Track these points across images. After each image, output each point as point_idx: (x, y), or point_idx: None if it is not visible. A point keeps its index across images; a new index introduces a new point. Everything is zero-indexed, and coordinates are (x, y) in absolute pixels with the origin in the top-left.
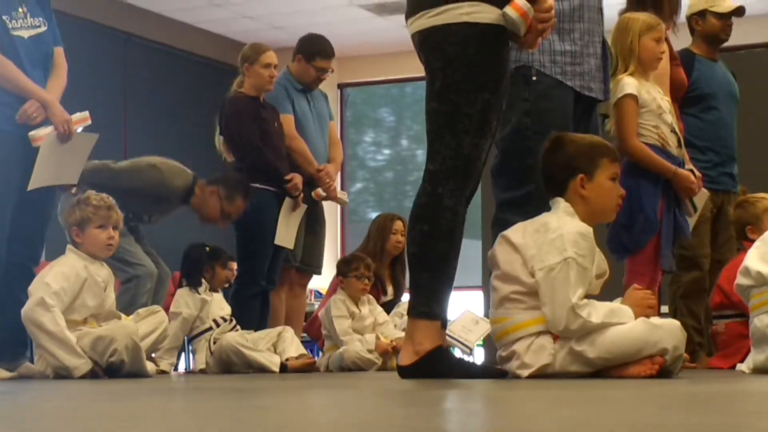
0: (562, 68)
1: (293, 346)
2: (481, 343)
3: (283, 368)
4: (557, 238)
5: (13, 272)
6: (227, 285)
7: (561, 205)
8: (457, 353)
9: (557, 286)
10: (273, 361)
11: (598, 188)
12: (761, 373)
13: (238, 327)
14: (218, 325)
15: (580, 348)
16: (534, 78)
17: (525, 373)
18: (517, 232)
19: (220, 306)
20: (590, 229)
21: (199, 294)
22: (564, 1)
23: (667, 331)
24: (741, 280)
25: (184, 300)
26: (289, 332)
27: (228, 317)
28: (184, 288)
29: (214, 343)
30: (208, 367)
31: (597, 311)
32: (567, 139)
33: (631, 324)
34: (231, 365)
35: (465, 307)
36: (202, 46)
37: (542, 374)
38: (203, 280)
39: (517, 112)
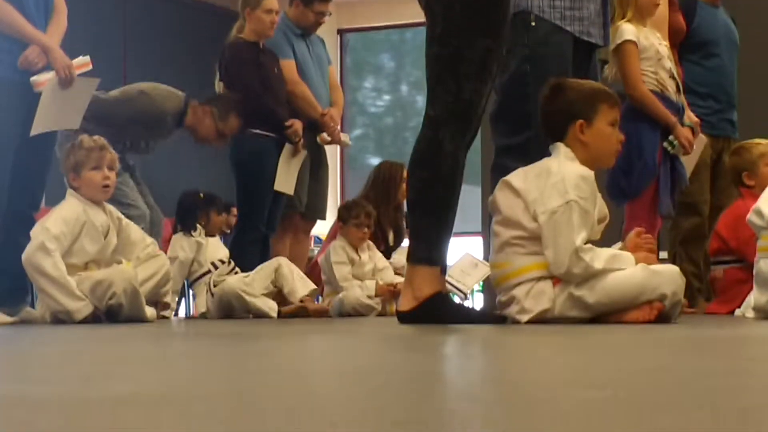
0: (561, 13)
1: (299, 282)
2: (480, 287)
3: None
4: (559, 181)
5: (13, 218)
6: (228, 231)
7: (561, 149)
8: (456, 299)
9: (560, 229)
10: (271, 307)
11: (598, 133)
12: (761, 314)
13: (238, 270)
14: (216, 268)
15: (579, 293)
16: (533, 23)
17: (524, 318)
18: (518, 176)
19: (216, 249)
20: (591, 173)
21: (194, 237)
22: None
23: (665, 276)
24: (754, 218)
25: (179, 244)
26: (285, 267)
27: (226, 259)
28: (178, 233)
29: (215, 286)
30: (209, 312)
31: (599, 256)
32: (566, 85)
33: (630, 270)
34: (231, 310)
35: (465, 251)
36: None
37: (541, 319)
38: (198, 226)
39: (517, 58)
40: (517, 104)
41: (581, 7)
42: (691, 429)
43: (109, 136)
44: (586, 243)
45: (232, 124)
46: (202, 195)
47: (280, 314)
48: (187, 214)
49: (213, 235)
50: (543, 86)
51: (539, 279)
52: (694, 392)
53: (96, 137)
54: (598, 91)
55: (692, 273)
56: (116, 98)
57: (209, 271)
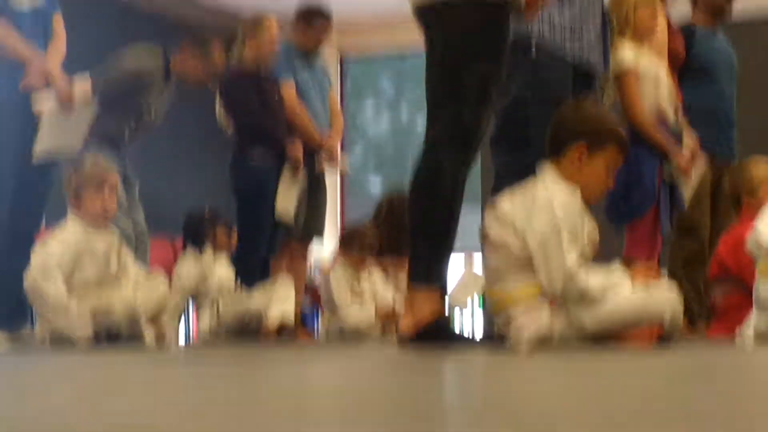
0: (561, 39)
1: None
2: (481, 304)
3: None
4: (546, 205)
5: (14, 240)
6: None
7: (548, 171)
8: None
9: (550, 252)
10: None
11: (593, 168)
12: (761, 338)
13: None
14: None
15: (578, 316)
16: (533, 49)
17: (523, 342)
18: (505, 202)
19: (225, 268)
20: (578, 194)
21: (202, 255)
22: None
23: (665, 299)
24: (752, 246)
25: (185, 269)
26: (282, 289)
27: (232, 282)
28: (187, 253)
29: (217, 310)
30: (211, 332)
31: (593, 274)
32: (591, 107)
33: (629, 292)
34: (238, 331)
35: (462, 270)
36: (201, 17)
37: (540, 342)
38: (206, 243)
39: (517, 83)
40: (517, 128)
41: (581, 34)
42: None
43: (114, 121)
44: (578, 262)
45: (216, 58)
46: (207, 212)
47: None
48: (195, 233)
49: (222, 251)
50: (542, 110)
51: (536, 302)
52: (687, 419)
53: (99, 159)
54: (617, 132)
55: (692, 296)
56: (101, 81)
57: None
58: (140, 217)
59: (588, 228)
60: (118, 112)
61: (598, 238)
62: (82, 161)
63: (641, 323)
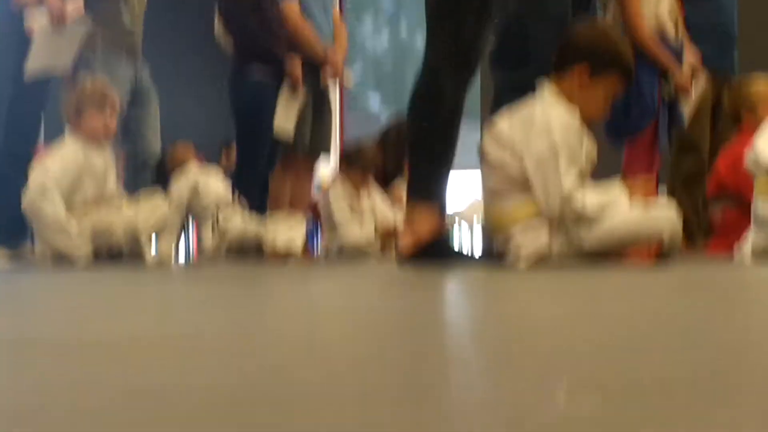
0: None
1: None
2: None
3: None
4: (544, 126)
5: (9, 158)
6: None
7: (547, 91)
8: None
9: (548, 174)
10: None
11: (591, 92)
12: (759, 254)
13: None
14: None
15: (577, 234)
16: None
17: (523, 259)
18: (503, 122)
19: (218, 181)
20: (576, 113)
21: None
22: None
23: (663, 216)
24: (750, 163)
25: (177, 185)
26: (292, 220)
27: (226, 197)
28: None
29: (217, 223)
30: (214, 251)
31: (590, 195)
32: (603, 29)
33: (627, 210)
34: (242, 250)
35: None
36: None
37: (539, 260)
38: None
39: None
40: (516, 44)
41: None
42: (683, 369)
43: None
44: (576, 182)
45: None
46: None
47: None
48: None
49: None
50: (541, 27)
51: (535, 220)
52: (686, 334)
53: (99, 79)
54: (622, 60)
55: (691, 213)
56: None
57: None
58: (154, 137)
59: (586, 147)
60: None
61: (596, 156)
62: (84, 81)
63: (640, 240)
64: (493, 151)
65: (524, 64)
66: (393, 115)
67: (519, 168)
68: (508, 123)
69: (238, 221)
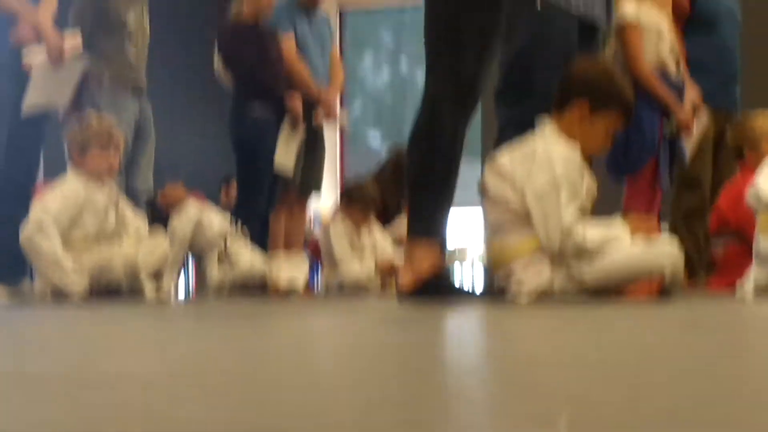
0: None
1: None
2: (481, 259)
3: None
4: (545, 161)
5: (8, 194)
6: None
7: (547, 127)
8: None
9: (548, 208)
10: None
11: (591, 128)
12: (761, 291)
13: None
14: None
15: (577, 269)
16: (538, 1)
17: (523, 295)
18: (505, 157)
19: (218, 217)
20: (577, 149)
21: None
22: None
23: (665, 252)
24: (751, 198)
25: (179, 221)
26: (296, 258)
27: (230, 231)
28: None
29: (225, 254)
30: (222, 282)
31: (591, 230)
32: (603, 65)
33: (629, 245)
34: (246, 286)
35: (463, 225)
36: None
37: (541, 296)
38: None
39: (522, 35)
40: (521, 80)
41: None
42: (685, 404)
43: (104, 37)
44: (576, 217)
45: None
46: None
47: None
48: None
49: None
50: (546, 63)
51: (535, 255)
52: (688, 369)
53: (105, 117)
54: (622, 96)
55: (693, 248)
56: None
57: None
58: (148, 172)
59: (587, 182)
60: (103, 28)
61: (596, 192)
62: (89, 118)
63: (641, 276)
64: (494, 185)
65: (529, 100)
66: (390, 148)
67: (520, 202)
68: (509, 157)
69: (247, 256)
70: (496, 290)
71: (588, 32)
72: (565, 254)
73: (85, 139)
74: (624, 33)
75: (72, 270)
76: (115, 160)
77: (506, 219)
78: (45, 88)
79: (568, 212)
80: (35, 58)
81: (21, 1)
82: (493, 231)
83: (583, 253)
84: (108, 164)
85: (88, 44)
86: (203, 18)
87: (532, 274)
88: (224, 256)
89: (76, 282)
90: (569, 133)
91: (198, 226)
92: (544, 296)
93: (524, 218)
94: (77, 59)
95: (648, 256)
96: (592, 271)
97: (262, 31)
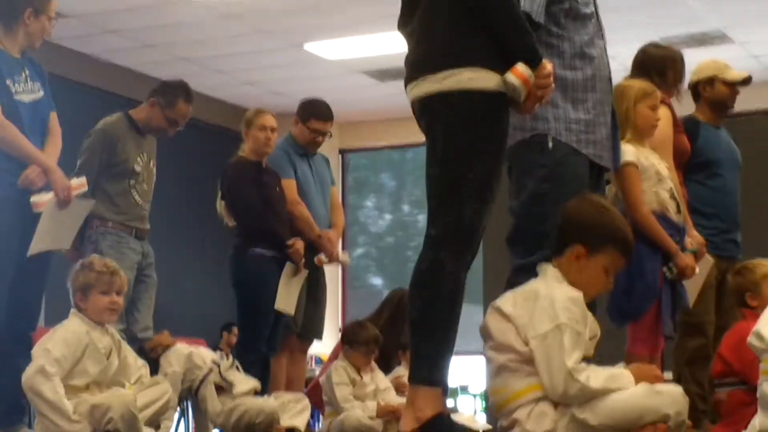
0: (577, 136)
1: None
2: (483, 408)
3: None
4: (548, 305)
5: (10, 338)
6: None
7: (549, 271)
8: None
9: (552, 352)
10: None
11: (590, 271)
12: None
13: (238, 365)
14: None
15: (582, 415)
16: (550, 145)
17: None
18: (507, 301)
19: (210, 355)
20: (580, 294)
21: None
22: (578, 71)
23: (669, 397)
24: (754, 341)
25: (167, 360)
26: (300, 403)
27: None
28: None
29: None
30: (222, 416)
31: (595, 376)
32: (594, 205)
33: (632, 389)
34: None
35: (466, 374)
36: (204, 111)
37: None
38: None
39: (534, 179)
40: (534, 224)
41: (595, 132)
42: None
43: (108, 179)
44: (580, 363)
45: (181, 110)
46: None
47: None
48: None
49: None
50: (560, 207)
51: (539, 400)
52: None
53: (108, 260)
54: (618, 234)
55: (697, 394)
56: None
57: (211, 370)
58: (147, 316)
59: (590, 326)
60: (111, 172)
61: (599, 334)
62: (92, 261)
63: (645, 421)
64: (496, 329)
65: (541, 245)
66: (390, 293)
67: (522, 345)
68: (511, 301)
69: (245, 380)
70: None
71: (596, 174)
72: (568, 398)
73: (88, 282)
74: (623, 174)
75: (73, 415)
76: (119, 303)
77: (508, 363)
78: (52, 234)
79: (572, 357)
80: (43, 201)
81: (31, 145)
82: (495, 374)
83: (586, 396)
84: (111, 308)
85: (95, 186)
86: (206, 160)
87: (534, 420)
88: (222, 383)
89: (77, 428)
90: (568, 277)
91: (188, 361)
92: None
93: (526, 362)
94: (84, 200)
95: (652, 400)
96: (596, 417)
97: (266, 171)
